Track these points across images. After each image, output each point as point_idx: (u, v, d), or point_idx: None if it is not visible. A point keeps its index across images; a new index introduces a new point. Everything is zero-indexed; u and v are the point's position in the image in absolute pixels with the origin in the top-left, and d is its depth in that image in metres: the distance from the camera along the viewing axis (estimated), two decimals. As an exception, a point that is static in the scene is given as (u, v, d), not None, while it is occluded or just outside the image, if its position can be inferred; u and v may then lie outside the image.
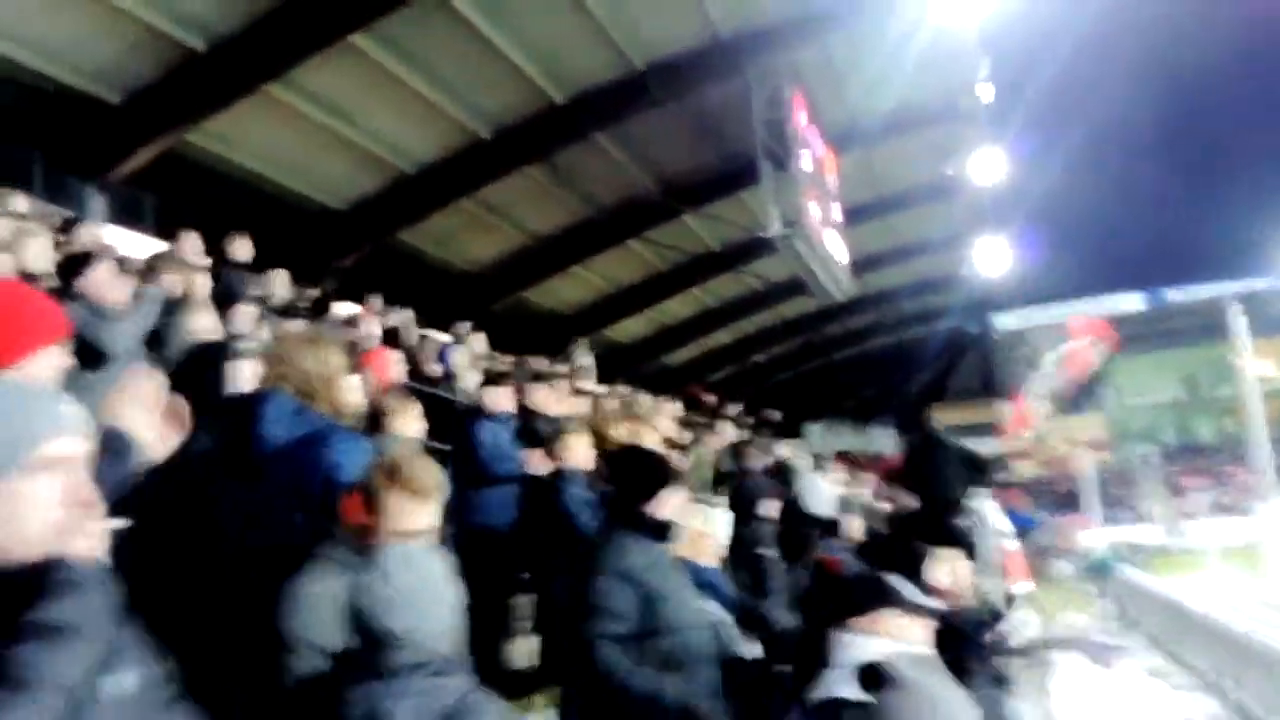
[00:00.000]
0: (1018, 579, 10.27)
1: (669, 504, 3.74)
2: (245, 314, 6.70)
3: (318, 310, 8.74)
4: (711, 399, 14.99)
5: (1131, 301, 51.14)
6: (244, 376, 4.15)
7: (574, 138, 14.82)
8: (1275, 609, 16.68)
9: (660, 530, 3.70)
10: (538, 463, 5.75)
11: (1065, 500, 44.61)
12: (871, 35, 15.35)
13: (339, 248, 14.15)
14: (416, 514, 2.64)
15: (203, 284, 6.58)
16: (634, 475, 3.82)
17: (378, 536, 2.58)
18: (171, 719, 1.74)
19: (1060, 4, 24.57)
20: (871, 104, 17.67)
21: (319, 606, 2.48)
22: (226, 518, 2.92)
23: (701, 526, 4.27)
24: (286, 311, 7.84)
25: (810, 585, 5.05)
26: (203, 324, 5.35)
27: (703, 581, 4.10)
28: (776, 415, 15.26)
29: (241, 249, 8.54)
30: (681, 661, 3.47)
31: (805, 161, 15.80)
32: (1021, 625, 7.94)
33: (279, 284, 8.45)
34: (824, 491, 8.19)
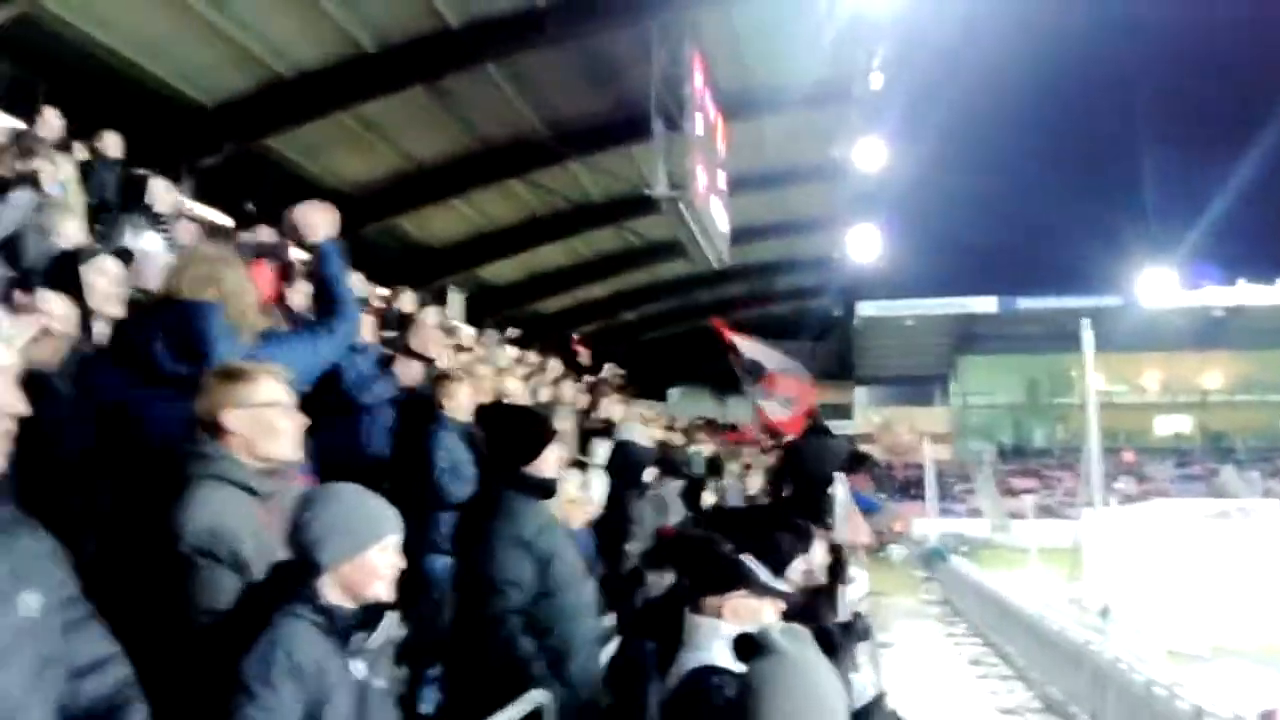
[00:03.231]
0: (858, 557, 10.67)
1: (552, 463, 3.79)
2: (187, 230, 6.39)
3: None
4: (586, 355, 14.85)
5: (986, 304, 53.35)
6: (100, 285, 3.82)
7: (464, 64, 14.26)
8: (1085, 609, 17.71)
9: (545, 489, 3.74)
10: (410, 374, 5.66)
11: (904, 487, 46.48)
12: (779, 6, 15.26)
13: (201, 146, 13.29)
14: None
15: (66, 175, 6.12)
16: (516, 435, 3.81)
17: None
18: (79, 641, 1.88)
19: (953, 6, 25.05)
20: (767, 76, 17.66)
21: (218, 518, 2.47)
22: (144, 423, 2.84)
23: (578, 490, 4.33)
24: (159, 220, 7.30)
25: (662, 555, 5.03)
26: (69, 229, 4.89)
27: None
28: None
29: (111, 145, 7.95)
30: (567, 618, 3.57)
31: (698, 125, 15.65)
32: (856, 592, 8.19)
33: (159, 194, 7.82)
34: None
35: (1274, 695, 12.12)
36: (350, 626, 2.28)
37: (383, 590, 2.34)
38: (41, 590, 1.79)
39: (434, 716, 4.57)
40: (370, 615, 2.32)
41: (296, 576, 2.28)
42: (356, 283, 9.62)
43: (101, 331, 3.55)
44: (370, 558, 2.32)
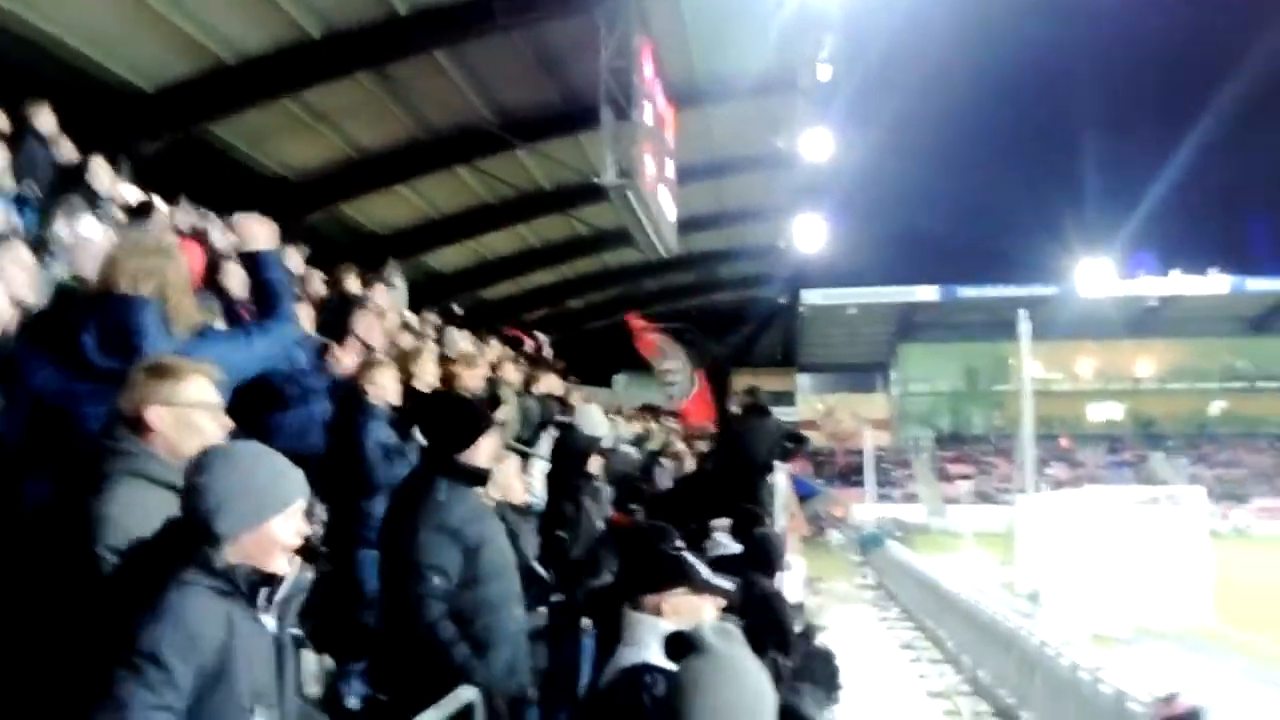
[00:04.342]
0: (794, 544, 10.88)
1: (486, 452, 3.80)
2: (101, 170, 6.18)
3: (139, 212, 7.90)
4: (532, 343, 14.85)
5: (927, 293, 54.15)
6: (16, 274, 3.75)
7: (411, 51, 14.15)
8: (1016, 593, 18.19)
9: (477, 477, 3.76)
10: (344, 358, 5.62)
11: (843, 473, 47.14)
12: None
13: (140, 132, 13.02)
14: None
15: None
16: (451, 423, 3.83)
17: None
18: None
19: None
20: (716, 66, 17.73)
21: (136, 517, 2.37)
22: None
23: (518, 478, 4.34)
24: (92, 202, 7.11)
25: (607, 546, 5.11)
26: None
27: None
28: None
29: (43, 119, 7.68)
30: (491, 608, 3.58)
31: (647, 114, 15.66)
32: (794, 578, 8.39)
33: (101, 174, 7.58)
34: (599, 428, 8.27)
35: (1193, 678, 12.62)
36: (254, 583, 2.15)
37: (282, 563, 2.20)
38: None
39: (359, 712, 4.56)
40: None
41: (191, 542, 2.11)
42: (297, 264, 9.57)
43: (11, 319, 3.48)
44: (273, 527, 2.18)
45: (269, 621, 2.20)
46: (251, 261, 3.38)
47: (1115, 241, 55.49)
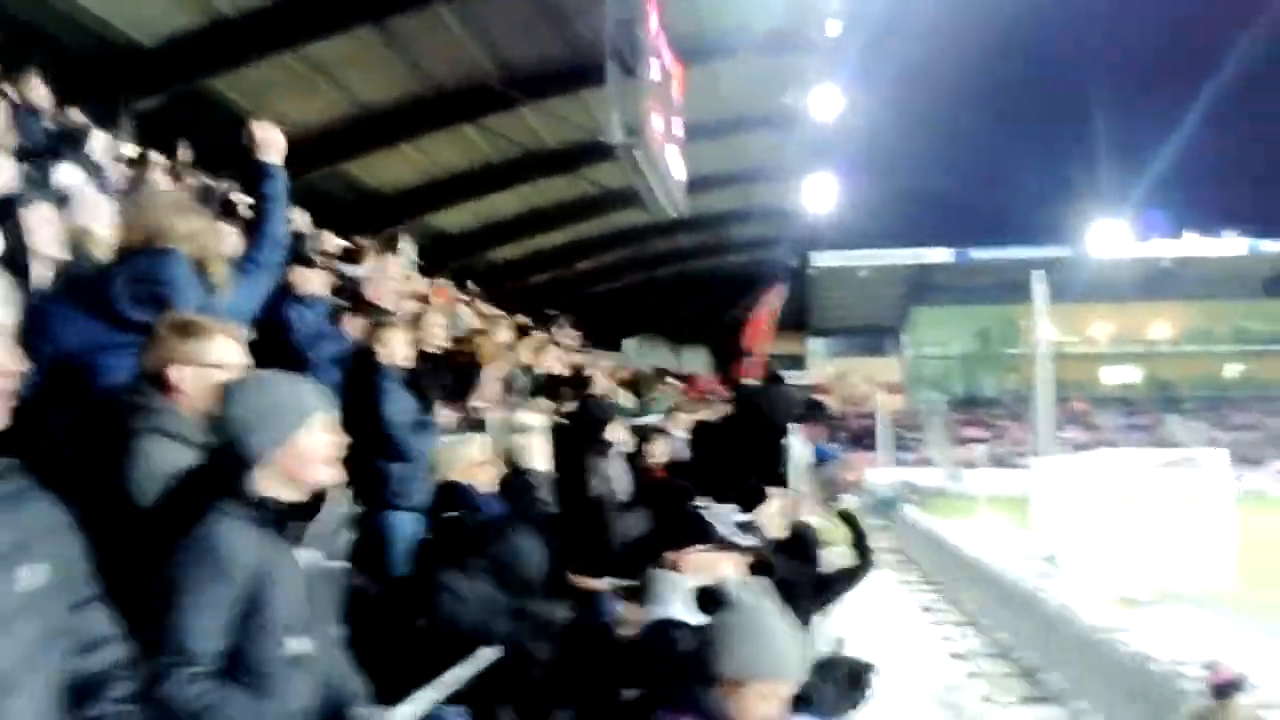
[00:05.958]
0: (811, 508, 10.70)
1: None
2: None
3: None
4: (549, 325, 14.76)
5: (941, 254, 53.81)
6: (43, 229, 3.66)
7: (413, 4, 13.93)
8: (1034, 557, 18.02)
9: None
10: (355, 328, 5.64)
11: (856, 437, 47.02)
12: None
13: (140, 87, 12.84)
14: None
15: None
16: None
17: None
18: (84, 619, 1.86)
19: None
20: (724, 21, 17.42)
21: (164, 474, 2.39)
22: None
23: (480, 452, 4.43)
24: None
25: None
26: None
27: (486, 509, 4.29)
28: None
29: (35, 90, 7.57)
30: None
31: (654, 70, 15.34)
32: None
33: (97, 145, 7.48)
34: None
35: (1214, 639, 12.43)
36: (289, 515, 2.22)
37: (325, 473, 2.27)
38: (49, 563, 1.74)
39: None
40: (315, 501, 2.28)
41: (225, 472, 2.21)
42: (305, 225, 9.40)
43: (42, 275, 3.42)
44: (301, 441, 2.25)
45: (304, 555, 2.25)
46: (258, 171, 3.33)
47: (1129, 202, 54.86)
